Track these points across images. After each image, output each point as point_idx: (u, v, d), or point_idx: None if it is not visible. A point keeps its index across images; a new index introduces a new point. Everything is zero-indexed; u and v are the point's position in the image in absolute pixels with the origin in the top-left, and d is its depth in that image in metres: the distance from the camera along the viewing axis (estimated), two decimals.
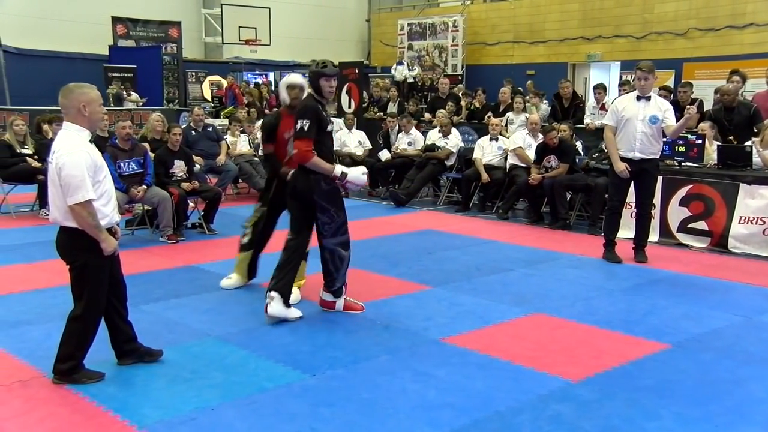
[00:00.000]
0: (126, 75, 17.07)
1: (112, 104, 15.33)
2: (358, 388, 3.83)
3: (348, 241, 5.01)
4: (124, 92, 15.92)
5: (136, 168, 7.54)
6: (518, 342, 4.56)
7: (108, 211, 3.79)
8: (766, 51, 13.81)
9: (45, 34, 17.21)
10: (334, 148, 6.17)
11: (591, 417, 3.51)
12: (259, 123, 12.36)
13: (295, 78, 5.38)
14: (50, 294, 5.51)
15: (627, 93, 7.94)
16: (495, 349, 4.42)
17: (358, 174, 4.94)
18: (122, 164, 7.44)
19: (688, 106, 6.58)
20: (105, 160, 7.47)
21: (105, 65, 17.07)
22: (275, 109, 12.29)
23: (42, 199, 8.88)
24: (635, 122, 6.46)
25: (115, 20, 18.24)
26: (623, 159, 6.54)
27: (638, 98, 6.52)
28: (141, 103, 15.94)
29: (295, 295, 5.27)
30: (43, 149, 8.82)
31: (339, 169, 4.86)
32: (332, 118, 5.34)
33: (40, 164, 8.59)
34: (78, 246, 3.75)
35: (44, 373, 3.97)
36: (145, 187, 7.44)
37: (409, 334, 4.70)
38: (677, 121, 6.56)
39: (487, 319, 5.00)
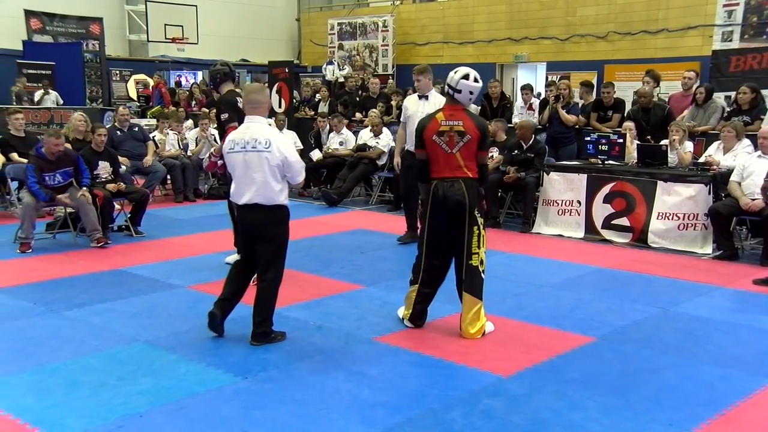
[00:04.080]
0: (43, 72, 16.25)
1: (14, 102, 14.33)
2: (290, 390, 3.81)
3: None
4: (43, 90, 15.11)
5: (62, 181, 7.23)
6: (450, 339, 4.63)
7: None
8: (677, 56, 14.48)
9: None
10: None
11: (521, 411, 3.60)
12: (188, 123, 12.12)
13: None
14: None
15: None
16: (427, 346, 4.47)
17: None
18: (47, 177, 7.13)
19: None
20: (28, 170, 7.10)
21: (19, 61, 16.27)
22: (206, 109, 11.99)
23: None
24: (415, 119, 6.78)
25: (29, 14, 17.39)
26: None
27: (419, 97, 7.08)
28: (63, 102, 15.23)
29: None
30: None
31: None
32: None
33: None
34: (282, 220, 4.39)
35: None
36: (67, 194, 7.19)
37: (342, 333, 4.70)
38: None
39: None
